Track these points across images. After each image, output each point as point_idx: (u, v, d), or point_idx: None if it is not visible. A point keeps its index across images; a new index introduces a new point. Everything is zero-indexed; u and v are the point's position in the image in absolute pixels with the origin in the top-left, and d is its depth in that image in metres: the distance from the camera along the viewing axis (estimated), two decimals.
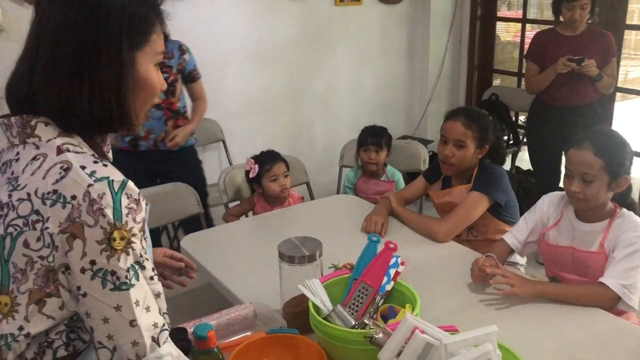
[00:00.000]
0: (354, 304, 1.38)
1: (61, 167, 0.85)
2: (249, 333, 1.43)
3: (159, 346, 0.88)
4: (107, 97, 0.90)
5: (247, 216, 2.61)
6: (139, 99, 0.95)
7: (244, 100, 3.57)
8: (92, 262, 0.82)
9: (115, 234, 0.83)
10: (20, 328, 0.85)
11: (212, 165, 3.57)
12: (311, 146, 3.93)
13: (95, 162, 0.88)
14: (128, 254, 0.84)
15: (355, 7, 3.82)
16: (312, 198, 2.88)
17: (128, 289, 0.84)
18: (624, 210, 1.65)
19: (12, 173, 0.88)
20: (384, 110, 4.17)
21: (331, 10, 3.73)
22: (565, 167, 1.67)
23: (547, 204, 1.79)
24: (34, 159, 0.87)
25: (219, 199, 2.77)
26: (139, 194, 0.88)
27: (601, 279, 1.55)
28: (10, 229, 0.84)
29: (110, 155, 1.01)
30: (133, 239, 0.85)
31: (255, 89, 3.59)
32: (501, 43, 5.31)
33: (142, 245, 0.87)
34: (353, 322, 1.28)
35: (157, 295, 0.91)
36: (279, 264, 1.46)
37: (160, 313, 0.90)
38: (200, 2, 3.21)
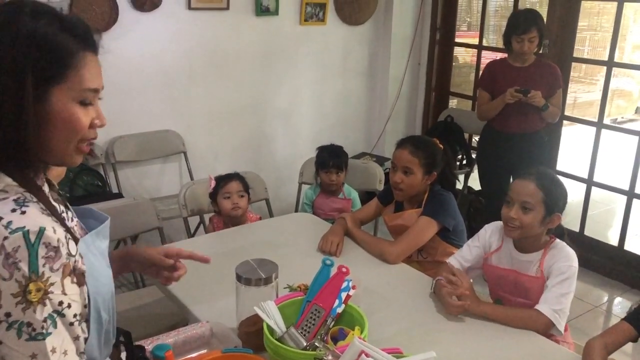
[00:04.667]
0: (306, 325, 1.45)
1: None
2: (204, 351, 1.49)
3: None
4: (5, 135, 0.86)
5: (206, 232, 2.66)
6: (55, 136, 0.91)
7: (207, 113, 3.62)
8: (8, 314, 0.82)
9: (31, 287, 0.82)
10: None
11: (172, 177, 3.60)
12: (272, 160, 4.00)
13: (13, 210, 0.85)
14: (45, 305, 0.84)
15: (319, 27, 3.92)
16: (271, 215, 2.94)
17: (44, 339, 0.84)
18: (558, 240, 1.79)
19: None
20: (343, 128, 4.28)
21: (296, 29, 3.82)
22: (507, 196, 1.80)
23: (489, 232, 1.92)
24: None
25: (177, 211, 2.80)
26: (58, 240, 0.86)
27: (536, 306, 1.68)
28: None
29: (45, 188, 0.97)
30: (51, 288, 0.84)
31: (218, 102, 3.64)
32: (459, 65, 5.51)
33: (63, 292, 0.86)
34: (305, 344, 1.35)
35: (75, 339, 0.90)
36: (236, 285, 1.53)
37: (77, 353, 0.91)
38: (166, 15, 3.25)
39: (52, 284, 0.85)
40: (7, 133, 0.86)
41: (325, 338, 1.41)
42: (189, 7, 3.32)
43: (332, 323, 1.44)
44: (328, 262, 1.55)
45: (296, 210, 3.22)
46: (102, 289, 1.00)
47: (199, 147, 3.63)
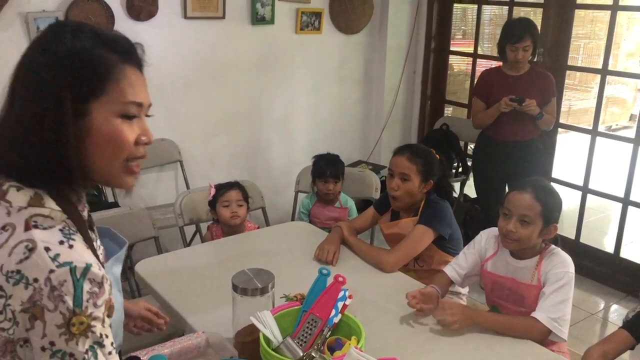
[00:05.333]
0: (303, 335, 1.45)
1: (26, 247, 0.84)
2: None
3: None
4: (44, 152, 0.87)
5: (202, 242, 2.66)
6: (99, 153, 0.91)
7: (203, 121, 3.62)
8: (52, 343, 0.84)
9: (74, 320, 0.84)
10: None
11: (168, 186, 3.60)
12: (268, 169, 4.00)
13: (61, 242, 0.87)
14: (87, 337, 0.85)
15: (315, 36, 3.94)
16: (267, 224, 2.94)
17: None
18: (553, 246, 1.80)
19: None
20: (339, 136, 4.29)
21: (292, 38, 3.83)
22: (504, 208, 1.79)
23: (485, 239, 1.92)
24: (3, 228, 0.87)
25: (173, 220, 2.80)
26: (102, 277, 0.88)
27: (533, 314, 1.68)
28: None
29: (85, 213, 0.99)
30: (93, 322, 0.86)
31: (215, 111, 3.64)
32: (454, 73, 5.54)
33: (102, 325, 0.88)
34: (301, 354, 1.35)
35: None
36: (232, 295, 1.52)
37: None
38: (162, 24, 3.26)
39: (94, 319, 0.86)
40: (48, 150, 0.87)
41: (322, 348, 1.41)
42: (185, 16, 3.33)
43: (329, 333, 1.44)
44: (324, 271, 1.55)
45: (292, 219, 3.22)
46: (116, 314, 0.99)
47: (195, 156, 3.63)
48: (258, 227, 2.64)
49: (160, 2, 3.21)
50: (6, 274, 0.84)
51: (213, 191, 2.53)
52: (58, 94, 0.86)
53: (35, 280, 0.83)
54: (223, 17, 3.47)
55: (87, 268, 0.85)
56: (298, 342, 1.41)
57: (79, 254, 0.87)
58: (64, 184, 0.91)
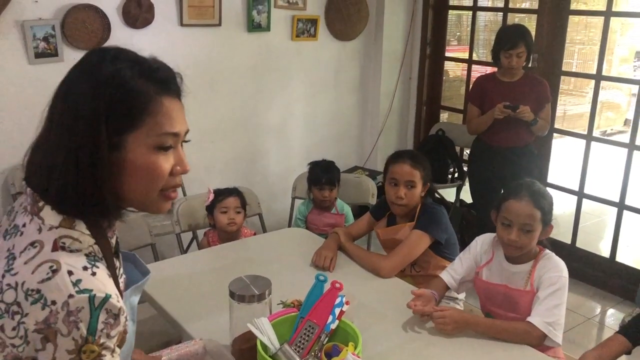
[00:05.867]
0: (300, 342, 1.45)
1: (50, 267, 0.84)
2: None
3: None
4: (79, 182, 0.87)
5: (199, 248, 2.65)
6: (134, 185, 0.91)
7: (199, 129, 3.62)
8: None
9: (86, 348, 0.84)
10: None
11: None
12: (264, 175, 4.00)
13: (85, 267, 0.86)
14: None
15: (310, 42, 3.95)
16: (264, 230, 2.94)
17: None
18: (547, 251, 1.81)
19: (13, 247, 0.89)
20: (336, 142, 4.30)
21: (287, 45, 3.85)
22: (503, 218, 1.78)
23: (480, 244, 1.93)
24: (32, 244, 0.87)
25: (170, 227, 2.80)
26: (120, 309, 0.87)
27: (528, 318, 1.69)
28: None
29: (113, 241, 0.98)
30: (104, 352, 0.86)
31: (211, 118, 3.65)
32: (449, 79, 5.56)
33: (112, 355, 0.88)
34: None
35: None
36: (229, 302, 1.53)
37: None
38: (158, 32, 3.27)
39: (105, 348, 0.86)
40: (84, 180, 0.87)
41: (319, 355, 1.41)
42: (181, 24, 3.34)
43: (326, 339, 1.44)
44: (321, 277, 1.55)
45: (289, 225, 3.22)
46: (125, 346, 0.99)
47: (191, 163, 3.49)
48: (255, 234, 2.64)
49: (157, 9, 3.22)
50: (26, 291, 0.83)
51: (212, 196, 2.53)
52: (95, 126, 0.86)
53: (54, 302, 0.82)
54: (219, 25, 3.48)
55: (106, 299, 0.85)
56: (295, 349, 1.41)
57: (101, 282, 0.87)
58: (96, 213, 0.91)
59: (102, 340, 0.85)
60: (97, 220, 0.92)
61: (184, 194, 3.41)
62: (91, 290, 0.84)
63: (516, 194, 1.76)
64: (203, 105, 3.59)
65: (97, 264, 0.89)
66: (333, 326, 1.45)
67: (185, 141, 0.99)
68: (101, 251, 0.92)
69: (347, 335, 1.46)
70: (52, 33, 2.89)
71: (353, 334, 1.45)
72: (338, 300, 1.49)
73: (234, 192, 2.55)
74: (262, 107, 3.86)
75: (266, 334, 1.40)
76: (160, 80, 0.92)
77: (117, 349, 0.89)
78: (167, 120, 0.91)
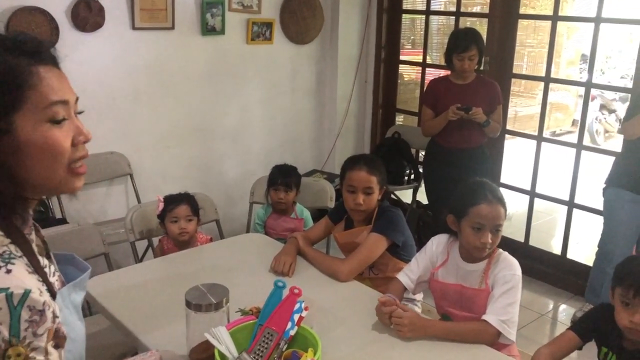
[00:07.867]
0: (259, 349, 1.44)
1: None
2: None
3: None
4: None
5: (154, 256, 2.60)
6: (36, 166, 0.85)
7: (154, 133, 3.56)
8: None
9: (10, 352, 0.78)
10: None
11: (119, 200, 3.51)
12: (222, 180, 3.96)
13: None
14: None
15: (266, 46, 3.93)
16: (221, 236, 2.91)
17: None
18: (501, 250, 1.85)
19: None
20: (294, 145, 4.29)
21: (243, 48, 3.82)
22: (474, 222, 1.78)
23: (436, 245, 1.96)
24: None
25: (124, 235, 2.73)
26: (44, 303, 0.81)
27: (483, 316, 1.72)
28: None
29: (33, 237, 0.93)
30: (32, 353, 0.80)
31: (165, 123, 3.59)
32: (404, 82, 5.64)
33: (46, 356, 0.82)
34: None
35: None
36: (186, 311, 1.49)
37: None
38: (110, 35, 3.19)
39: (34, 349, 0.80)
40: None
41: None
42: (133, 27, 3.27)
43: (285, 346, 1.43)
44: (280, 283, 1.54)
45: (247, 231, 3.19)
46: (73, 345, 0.95)
47: (145, 169, 3.56)
48: (211, 238, 2.61)
49: (107, 13, 3.14)
50: None
51: (161, 205, 2.49)
52: None
53: None
54: (172, 28, 3.43)
55: (26, 294, 0.80)
56: (254, 357, 1.40)
57: (18, 278, 0.81)
58: (3, 208, 0.85)
59: (28, 340, 0.79)
60: (6, 217, 0.86)
61: (138, 201, 3.34)
62: (7, 288, 0.78)
63: (484, 198, 1.78)
64: (157, 110, 3.52)
65: (13, 261, 0.83)
66: (292, 332, 1.44)
67: (79, 112, 0.94)
68: (20, 249, 0.87)
69: (307, 341, 1.46)
70: None
71: (312, 340, 1.44)
72: (297, 306, 1.48)
73: (184, 199, 2.49)
74: (218, 112, 3.82)
75: (224, 343, 1.38)
76: (30, 51, 0.85)
77: (53, 350, 0.84)
78: (50, 89, 0.85)
